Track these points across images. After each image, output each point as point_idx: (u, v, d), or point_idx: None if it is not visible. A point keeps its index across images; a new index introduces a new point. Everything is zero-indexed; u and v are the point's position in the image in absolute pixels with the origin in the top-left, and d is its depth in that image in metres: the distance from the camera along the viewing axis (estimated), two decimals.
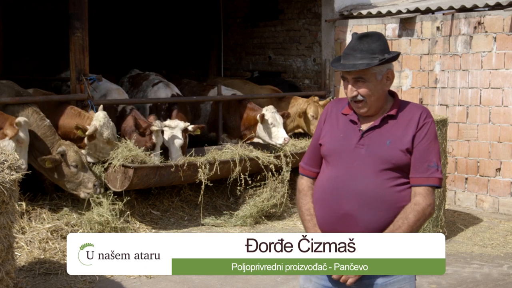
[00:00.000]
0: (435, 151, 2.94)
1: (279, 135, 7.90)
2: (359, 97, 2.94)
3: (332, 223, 2.95)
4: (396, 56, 3.00)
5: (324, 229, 2.98)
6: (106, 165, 7.01)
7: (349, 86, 2.95)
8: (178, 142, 7.44)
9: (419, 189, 2.91)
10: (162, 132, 7.38)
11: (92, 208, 6.84)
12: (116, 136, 6.95)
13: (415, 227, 2.89)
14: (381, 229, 2.89)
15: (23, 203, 6.66)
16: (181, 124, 7.50)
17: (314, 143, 3.13)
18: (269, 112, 7.98)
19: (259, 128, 8.03)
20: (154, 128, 7.15)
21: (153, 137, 7.18)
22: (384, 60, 2.92)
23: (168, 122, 7.54)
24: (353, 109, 3.01)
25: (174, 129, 7.47)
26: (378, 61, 2.90)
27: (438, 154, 2.96)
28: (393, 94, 3.07)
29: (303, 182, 3.15)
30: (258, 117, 7.99)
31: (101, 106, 7.03)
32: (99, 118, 6.78)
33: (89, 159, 7.03)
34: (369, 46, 2.92)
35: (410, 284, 2.95)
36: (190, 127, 7.54)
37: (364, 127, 2.99)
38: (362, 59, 2.90)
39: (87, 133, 6.73)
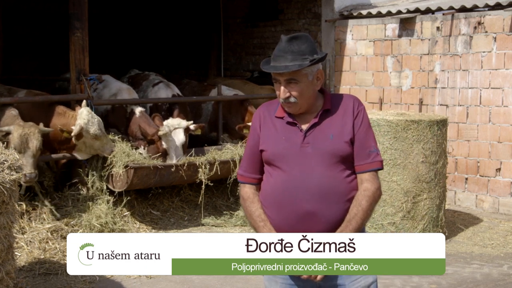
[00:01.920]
0: (372, 136, 3.06)
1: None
2: (292, 99, 2.99)
3: (292, 224, 2.97)
4: (324, 56, 3.05)
5: (282, 231, 2.97)
6: (106, 173, 7.00)
7: (282, 87, 2.98)
8: (180, 140, 7.41)
9: (365, 175, 3.01)
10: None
11: (92, 208, 6.85)
12: (103, 131, 6.87)
13: (369, 212, 2.99)
14: (340, 221, 2.96)
15: (23, 203, 6.67)
16: (183, 122, 7.47)
17: (252, 150, 3.12)
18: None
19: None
20: (160, 133, 7.13)
21: (163, 143, 7.15)
22: (315, 60, 2.97)
23: (170, 120, 7.51)
24: (285, 109, 3.05)
25: (171, 137, 7.44)
26: (309, 62, 2.95)
27: (374, 138, 3.08)
28: (322, 90, 3.11)
29: (247, 190, 3.13)
30: (247, 124, 7.94)
31: (84, 102, 6.94)
32: (82, 116, 6.74)
33: (83, 156, 7.00)
34: (299, 47, 2.96)
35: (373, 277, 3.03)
36: (192, 126, 7.52)
37: (304, 126, 3.04)
38: (293, 60, 2.94)
39: (72, 134, 6.70)
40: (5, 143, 6.00)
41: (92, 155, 7.04)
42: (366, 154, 3.01)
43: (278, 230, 3.00)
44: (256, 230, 3.07)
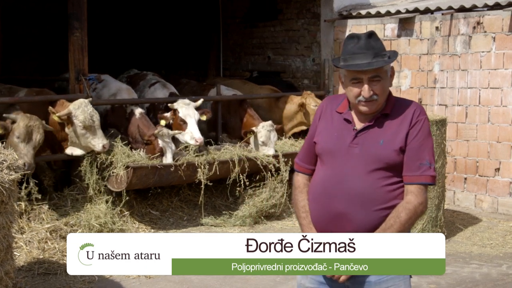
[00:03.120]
0: (428, 149, 2.93)
1: (263, 153, 7.82)
2: (374, 97, 2.93)
3: (325, 222, 2.96)
4: (397, 53, 3.06)
5: (318, 227, 2.99)
6: (107, 174, 7.00)
7: (365, 86, 2.91)
8: (196, 116, 7.48)
9: (411, 188, 2.91)
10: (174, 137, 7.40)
11: (91, 208, 6.85)
12: (97, 124, 6.82)
13: (407, 225, 2.89)
14: (374, 228, 2.89)
15: (22, 203, 6.66)
16: (193, 102, 7.58)
17: (309, 140, 3.13)
18: (264, 130, 7.87)
19: (251, 139, 8.02)
20: (156, 131, 7.13)
21: (159, 142, 7.16)
22: (394, 56, 2.96)
23: (180, 100, 7.58)
24: (357, 108, 2.97)
25: (188, 105, 7.51)
26: (388, 58, 2.93)
27: (432, 152, 2.95)
28: (388, 93, 3.07)
29: (299, 179, 3.16)
30: (252, 129, 7.98)
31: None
32: (75, 103, 6.78)
33: (76, 152, 6.96)
34: (376, 44, 2.93)
35: (405, 282, 2.96)
36: (199, 110, 7.59)
37: (359, 126, 2.99)
38: (376, 57, 2.90)
39: (58, 114, 6.69)
40: (4, 142, 6.01)
41: (86, 151, 6.96)
42: (416, 166, 2.90)
43: (315, 225, 3.00)
44: (298, 219, 3.09)
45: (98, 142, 6.82)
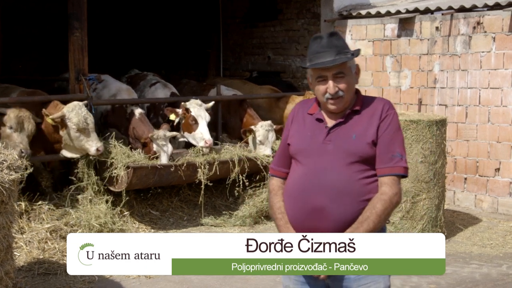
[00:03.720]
0: (398, 142, 3.02)
1: (260, 153, 7.81)
2: (340, 93, 3.02)
3: (302, 218, 3.00)
4: (359, 50, 3.17)
5: (294, 225, 3.03)
6: (107, 175, 6.99)
7: (330, 82, 3.01)
8: (207, 117, 7.51)
9: (385, 179, 2.98)
10: (173, 138, 7.41)
11: (91, 209, 6.84)
12: (91, 127, 6.78)
13: (383, 216, 2.94)
14: (351, 221, 2.94)
15: (22, 203, 6.66)
16: (204, 104, 7.61)
17: (283, 144, 3.21)
18: (263, 129, 7.87)
19: (250, 138, 8.03)
20: (150, 134, 7.13)
21: (154, 146, 7.14)
22: (356, 53, 3.06)
23: (193, 100, 7.60)
24: (326, 107, 3.06)
25: (200, 106, 7.52)
26: (351, 54, 3.02)
27: (402, 144, 3.04)
28: (356, 91, 3.15)
29: (274, 182, 3.22)
30: (251, 128, 7.98)
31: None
32: (69, 105, 6.76)
33: (70, 155, 6.93)
34: (338, 42, 3.03)
35: (384, 278, 2.99)
36: (209, 111, 7.62)
37: (330, 123, 3.07)
38: (338, 54, 2.99)
39: (51, 116, 6.66)
40: (4, 143, 6.02)
41: (81, 154, 6.92)
42: (389, 158, 2.98)
43: (292, 224, 3.04)
44: (275, 222, 3.13)
45: (92, 145, 6.77)
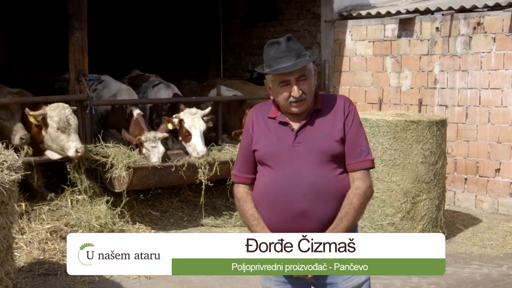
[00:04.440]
0: (363, 136, 3.10)
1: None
2: (304, 96, 3.04)
3: (285, 223, 3.00)
4: (316, 52, 3.23)
5: (276, 231, 3.00)
6: (108, 176, 6.99)
7: (295, 87, 3.02)
8: (201, 127, 7.48)
9: (357, 174, 3.05)
10: (165, 140, 7.41)
11: (92, 209, 6.84)
12: (74, 128, 6.69)
13: (361, 210, 3.02)
14: (332, 219, 2.99)
15: (23, 204, 6.66)
16: (200, 111, 7.59)
17: (245, 150, 3.18)
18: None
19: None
20: (139, 138, 7.15)
21: (143, 150, 7.17)
22: (315, 55, 3.12)
23: (187, 110, 7.57)
24: (289, 110, 3.07)
25: (195, 115, 7.51)
26: (309, 57, 3.06)
27: (366, 137, 3.13)
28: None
29: (240, 189, 3.17)
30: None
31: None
32: (52, 105, 6.73)
33: (55, 156, 6.87)
34: (296, 46, 3.07)
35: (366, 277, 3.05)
36: (205, 118, 7.59)
37: (296, 126, 3.08)
38: (298, 57, 3.03)
39: (32, 113, 6.61)
40: (4, 143, 6.00)
41: (62, 156, 6.83)
42: (357, 153, 3.05)
43: (271, 228, 3.03)
44: (250, 228, 3.11)
45: (72, 145, 6.62)
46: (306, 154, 3.02)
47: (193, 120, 7.47)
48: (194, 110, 7.59)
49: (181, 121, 7.50)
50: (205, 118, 7.60)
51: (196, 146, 7.38)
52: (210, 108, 7.80)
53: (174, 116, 7.56)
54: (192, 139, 7.43)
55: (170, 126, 7.50)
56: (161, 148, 7.19)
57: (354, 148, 3.05)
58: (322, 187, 2.99)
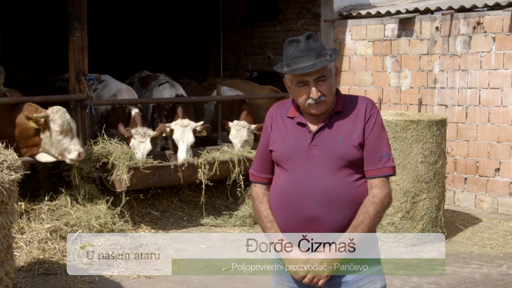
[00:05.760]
0: (384, 141, 2.96)
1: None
2: (323, 98, 2.93)
3: (296, 227, 2.92)
4: (337, 50, 3.09)
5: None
6: (110, 178, 6.99)
7: (313, 88, 2.91)
8: (189, 140, 7.51)
9: (375, 181, 2.92)
10: (155, 138, 7.48)
11: (91, 209, 6.84)
12: (74, 131, 6.66)
13: (377, 220, 2.90)
14: (346, 227, 2.88)
15: (22, 203, 6.65)
16: (192, 123, 7.60)
17: (263, 149, 3.10)
18: (233, 129, 8.00)
19: (230, 135, 8.08)
20: (129, 129, 7.24)
21: (130, 142, 7.25)
22: (336, 55, 2.97)
23: (179, 121, 7.61)
24: (308, 110, 2.97)
25: (186, 127, 7.53)
26: (329, 56, 2.94)
27: (388, 143, 2.99)
28: (336, 91, 3.06)
29: (257, 189, 3.10)
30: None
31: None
32: (53, 108, 6.67)
33: (46, 159, 6.79)
34: (316, 45, 2.94)
35: (380, 278, 2.97)
36: (198, 128, 7.60)
37: (313, 128, 2.98)
38: (318, 57, 2.91)
39: (35, 114, 6.52)
40: (3, 142, 5.99)
41: (57, 160, 6.76)
42: (377, 159, 2.92)
43: (282, 231, 2.96)
44: (264, 230, 3.03)
45: (74, 149, 6.58)
46: (321, 158, 2.91)
47: (182, 133, 7.52)
48: (186, 121, 7.62)
49: (172, 131, 7.55)
50: (198, 128, 7.61)
51: (179, 159, 7.43)
52: (202, 122, 7.82)
53: (166, 125, 7.61)
54: (178, 151, 7.51)
55: (164, 133, 7.61)
56: (148, 145, 7.26)
57: (373, 154, 2.92)
58: (335, 193, 2.88)
